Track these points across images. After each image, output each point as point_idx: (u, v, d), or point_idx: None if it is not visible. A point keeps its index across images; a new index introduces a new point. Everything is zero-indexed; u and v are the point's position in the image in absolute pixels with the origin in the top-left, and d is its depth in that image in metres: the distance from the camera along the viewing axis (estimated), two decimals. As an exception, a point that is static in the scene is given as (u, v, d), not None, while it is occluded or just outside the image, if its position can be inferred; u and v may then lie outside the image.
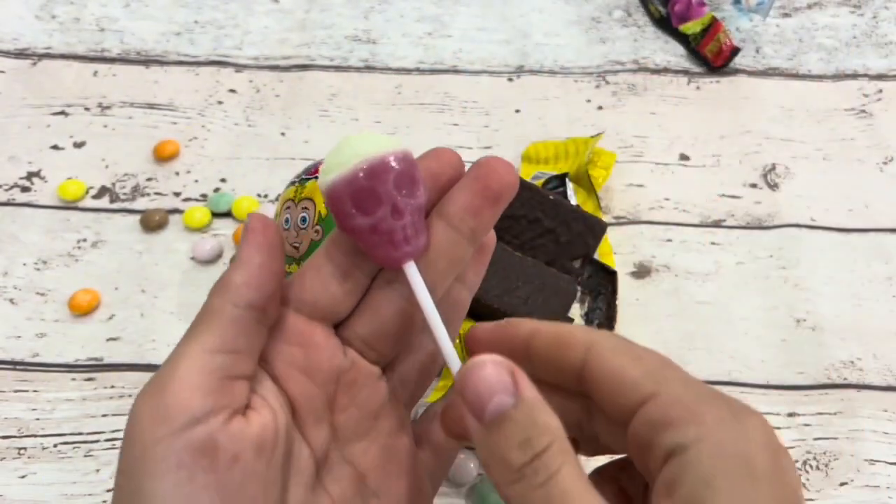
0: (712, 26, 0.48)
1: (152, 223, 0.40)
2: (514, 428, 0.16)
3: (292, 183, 0.35)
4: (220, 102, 0.46)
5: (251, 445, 0.16)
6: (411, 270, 0.19)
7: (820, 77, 0.48)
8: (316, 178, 0.34)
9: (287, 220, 0.34)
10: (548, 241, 0.34)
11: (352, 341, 0.20)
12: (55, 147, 0.43)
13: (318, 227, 0.32)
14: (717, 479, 0.15)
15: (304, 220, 0.33)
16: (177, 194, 0.42)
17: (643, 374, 0.17)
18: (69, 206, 0.41)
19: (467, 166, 0.22)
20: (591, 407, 0.18)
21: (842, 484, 0.33)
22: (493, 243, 0.21)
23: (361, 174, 0.18)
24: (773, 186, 0.43)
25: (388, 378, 0.21)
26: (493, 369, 0.16)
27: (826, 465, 0.33)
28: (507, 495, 0.16)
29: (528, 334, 0.18)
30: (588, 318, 0.35)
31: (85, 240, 0.39)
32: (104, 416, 0.34)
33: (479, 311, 0.33)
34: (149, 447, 0.15)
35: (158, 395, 0.16)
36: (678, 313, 0.38)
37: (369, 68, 0.48)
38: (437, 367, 0.21)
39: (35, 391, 0.34)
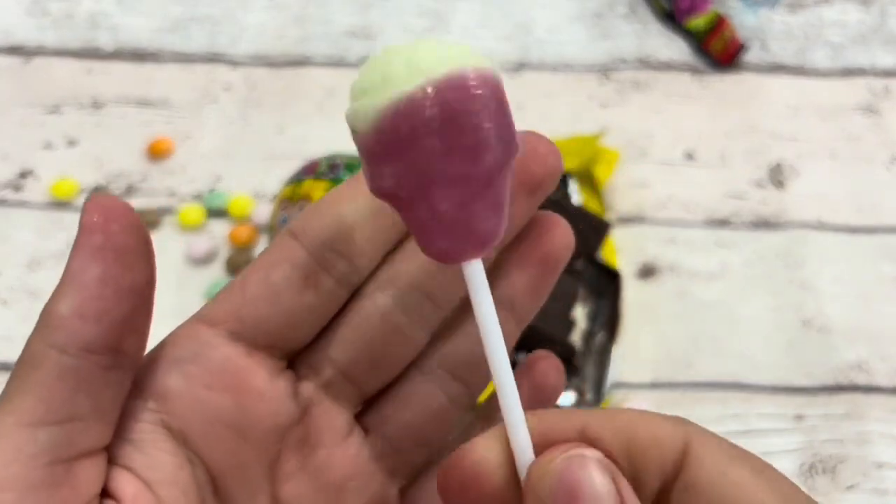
0: (717, 23, 0.47)
1: (146, 222, 0.39)
2: None
3: (289, 182, 0.34)
4: (215, 100, 0.45)
5: None
6: (474, 270, 0.12)
7: (827, 74, 0.48)
8: (313, 176, 0.33)
9: (284, 220, 0.33)
10: (550, 242, 0.34)
11: (321, 369, 0.15)
12: (48, 145, 0.43)
13: None
14: None
15: None
16: (171, 193, 0.41)
17: (777, 499, 0.12)
18: (62, 205, 0.40)
19: None
20: None
21: (849, 487, 0.32)
22: (555, 262, 0.16)
23: (447, 93, 0.11)
24: (780, 185, 0.42)
25: (369, 428, 0.15)
26: (599, 477, 0.11)
27: (833, 469, 0.33)
28: None
29: (583, 435, 0.12)
30: (591, 320, 0.34)
31: (78, 240, 0.39)
32: (97, 420, 0.33)
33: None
34: None
35: None
36: (683, 314, 0.37)
37: (368, 65, 0.47)
38: (451, 423, 0.16)
39: (26, 395, 0.34)
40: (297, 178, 0.34)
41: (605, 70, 0.47)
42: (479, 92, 0.12)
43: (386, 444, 0.15)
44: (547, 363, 0.17)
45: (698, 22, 0.48)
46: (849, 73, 0.48)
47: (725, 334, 0.36)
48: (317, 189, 0.32)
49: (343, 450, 0.15)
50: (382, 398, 0.15)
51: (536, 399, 0.16)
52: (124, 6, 0.50)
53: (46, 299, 0.13)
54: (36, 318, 0.13)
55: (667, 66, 0.48)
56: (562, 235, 0.16)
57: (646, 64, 0.48)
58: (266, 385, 0.14)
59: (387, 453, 0.15)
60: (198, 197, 0.41)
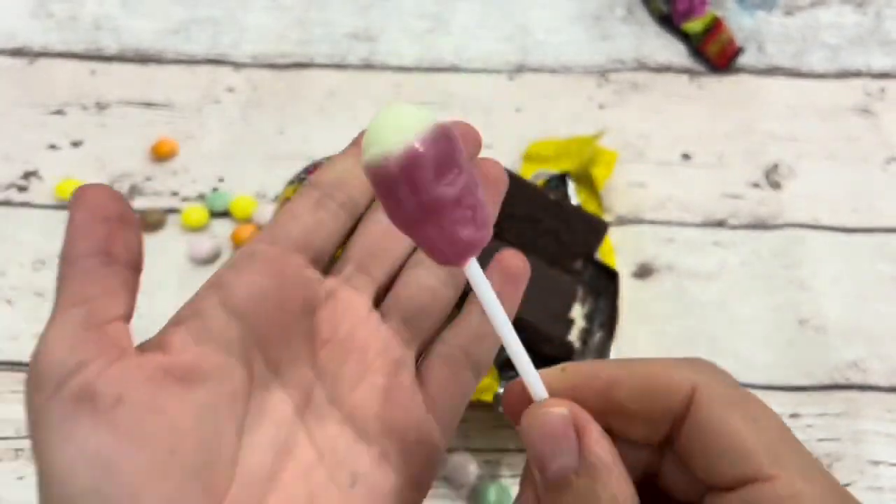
0: (714, 26, 0.47)
1: (150, 222, 0.39)
2: (574, 498, 0.14)
3: (291, 182, 0.34)
4: (217, 101, 0.45)
5: (150, 383, 0.16)
6: (472, 268, 0.17)
7: (823, 75, 0.48)
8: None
9: None
10: (549, 241, 0.34)
11: (341, 269, 0.20)
12: (52, 146, 0.43)
13: None
14: None
15: None
16: (174, 194, 0.41)
17: (763, 446, 0.14)
18: (66, 205, 0.40)
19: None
20: (669, 457, 0.16)
21: (845, 485, 0.32)
22: (516, 268, 0.21)
23: (436, 136, 0.16)
24: (777, 186, 0.43)
25: (385, 313, 0.20)
26: (559, 422, 0.15)
27: (829, 467, 0.33)
28: None
29: (606, 383, 0.16)
30: (589, 319, 0.35)
31: (82, 240, 0.39)
32: (101, 418, 0.33)
33: (480, 311, 0.33)
34: (36, 417, 0.16)
35: (33, 365, 0.16)
36: (681, 314, 0.37)
37: (368, 66, 0.47)
38: (445, 301, 0.20)
39: (31, 393, 0.34)
40: (299, 179, 0.34)
41: (603, 72, 0.48)
42: (423, 151, 0.16)
43: (398, 320, 0.20)
44: (510, 254, 0.21)
45: (695, 25, 0.48)
46: (845, 74, 0.48)
47: (723, 333, 0.37)
48: None
49: (365, 323, 0.19)
50: (391, 288, 0.20)
51: (507, 282, 0.21)
52: (127, 8, 0.50)
53: (51, 299, 0.17)
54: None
55: (664, 68, 0.48)
56: (493, 168, 0.21)
57: (644, 66, 0.48)
58: (297, 272, 0.19)
59: (400, 328, 0.20)
60: (201, 197, 0.41)
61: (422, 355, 0.20)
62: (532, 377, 0.16)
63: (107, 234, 0.17)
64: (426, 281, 0.20)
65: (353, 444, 0.18)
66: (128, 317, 0.17)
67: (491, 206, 0.20)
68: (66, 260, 0.17)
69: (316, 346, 0.19)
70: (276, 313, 0.18)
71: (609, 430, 0.15)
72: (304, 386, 0.18)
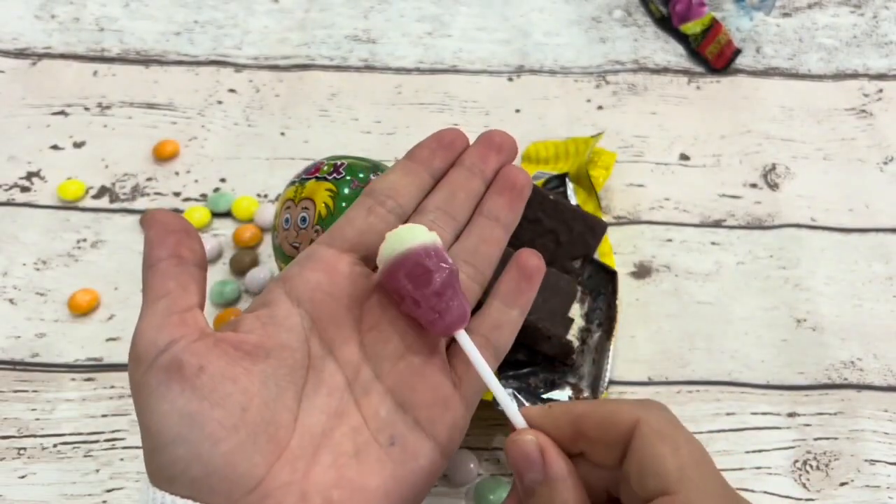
0: (712, 28, 0.48)
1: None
2: (539, 502, 0.20)
3: (292, 183, 0.35)
4: (219, 102, 0.46)
5: (224, 356, 0.20)
6: (462, 336, 0.22)
7: (820, 77, 0.48)
8: (316, 177, 0.34)
9: (287, 220, 0.34)
10: (548, 241, 0.34)
11: None
12: (55, 147, 0.43)
13: (317, 227, 0.33)
14: None
15: (303, 220, 0.33)
16: (176, 194, 0.42)
17: (675, 469, 0.18)
18: (69, 206, 0.41)
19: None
20: (620, 480, 0.20)
21: (842, 484, 0.33)
22: (532, 267, 0.25)
23: (406, 258, 0.22)
24: (774, 186, 0.43)
25: None
26: (528, 447, 0.20)
27: (826, 466, 0.33)
28: None
29: (576, 416, 0.20)
30: (588, 318, 0.35)
31: (85, 240, 0.39)
32: (104, 416, 0.34)
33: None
34: (137, 386, 0.20)
35: (133, 348, 0.20)
36: (678, 313, 0.38)
37: (369, 68, 0.48)
38: (472, 296, 0.24)
39: (35, 391, 0.34)
40: (301, 180, 0.34)
41: (601, 73, 0.48)
42: (395, 269, 0.22)
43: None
44: (528, 253, 0.25)
45: (694, 26, 0.49)
46: (842, 76, 0.48)
47: (720, 333, 0.37)
48: (319, 190, 0.33)
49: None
50: None
51: (524, 279, 0.25)
52: (130, 10, 0.50)
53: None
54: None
55: (663, 70, 0.48)
56: (520, 175, 0.26)
57: (642, 67, 0.48)
58: (347, 269, 0.23)
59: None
60: (203, 198, 0.41)
61: (452, 340, 0.23)
62: (513, 411, 0.21)
63: (176, 242, 0.22)
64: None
65: (393, 412, 0.22)
66: (202, 305, 0.22)
67: (511, 214, 0.26)
68: (148, 264, 0.21)
69: (363, 330, 0.23)
70: (329, 303, 0.22)
71: (578, 454, 0.20)
72: (354, 363, 0.22)
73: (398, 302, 0.23)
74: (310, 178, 0.34)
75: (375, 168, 0.35)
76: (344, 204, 0.32)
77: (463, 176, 0.26)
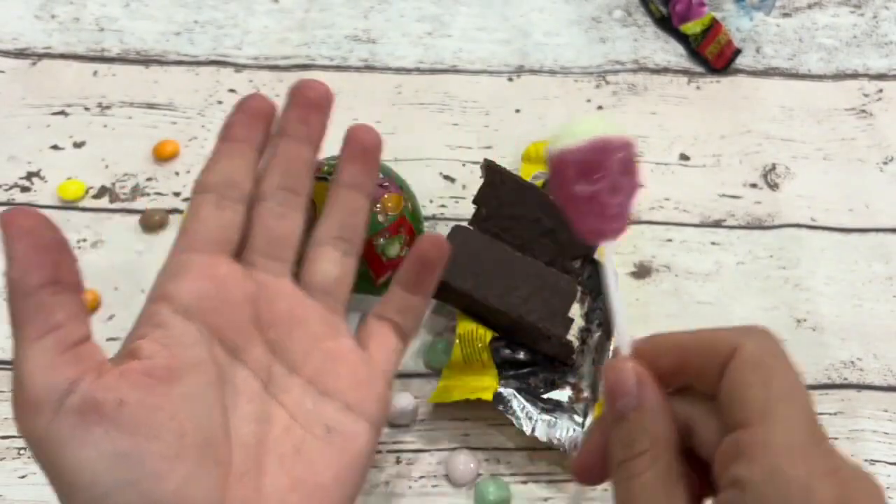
0: (712, 28, 0.48)
1: (152, 223, 0.40)
2: (626, 428, 0.19)
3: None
4: (219, 102, 0.46)
5: (139, 386, 0.19)
6: (607, 253, 0.22)
7: (820, 77, 0.48)
8: (316, 178, 0.34)
9: None
10: (548, 241, 0.34)
11: (254, 261, 0.23)
12: (55, 147, 0.43)
13: None
14: None
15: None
16: (177, 194, 0.42)
17: (760, 401, 0.18)
18: (69, 206, 0.41)
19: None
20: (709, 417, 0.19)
21: (842, 484, 0.33)
22: (367, 140, 0.25)
23: (591, 148, 0.20)
24: (774, 186, 0.43)
25: (305, 289, 0.24)
26: (625, 374, 0.19)
27: (826, 466, 0.33)
28: (611, 479, 0.20)
29: (680, 346, 0.20)
30: (588, 318, 0.35)
31: (85, 240, 0.39)
32: (104, 416, 0.34)
33: (479, 310, 0.33)
34: (41, 439, 0.18)
35: (21, 395, 0.18)
36: (678, 313, 0.38)
37: (369, 68, 0.48)
38: (351, 269, 0.24)
39: (35, 391, 0.34)
40: None
41: (601, 73, 0.48)
42: (621, 148, 0.20)
43: (320, 293, 0.24)
44: (430, 238, 0.25)
45: (694, 26, 0.49)
46: (842, 76, 0.48)
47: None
48: (319, 190, 0.33)
49: (298, 301, 0.23)
50: (302, 265, 0.24)
51: (423, 267, 0.25)
52: (130, 10, 0.50)
53: None
54: None
55: (663, 70, 0.48)
56: (367, 136, 0.25)
57: (642, 67, 0.48)
58: (227, 269, 0.22)
59: (324, 299, 0.24)
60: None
61: (360, 321, 0.24)
62: (623, 336, 0.20)
63: (53, 262, 0.19)
64: (332, 255, 0.24)
65: (320, 401, 0.22)
66: (91, 335, 0.20)
67: (368, 178, 0.25)
68: (20, 292, 0.18)
69: (264, 328, 0.22)
70: (222, 309, 0.21)
71: (681, 388, 0.20)
72: (264, 364, 0.22)
73: (552, 190, 0.22)
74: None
75: (382, 167, 0.35)
76: None
77: (291, 147, 0.24)
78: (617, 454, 0.19)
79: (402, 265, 0.25)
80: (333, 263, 0.24)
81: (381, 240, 0.33)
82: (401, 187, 0.35)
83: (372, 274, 0.33)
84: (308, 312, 0.23)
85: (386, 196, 0.34)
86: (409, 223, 0.34)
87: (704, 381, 0.19)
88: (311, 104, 0.25)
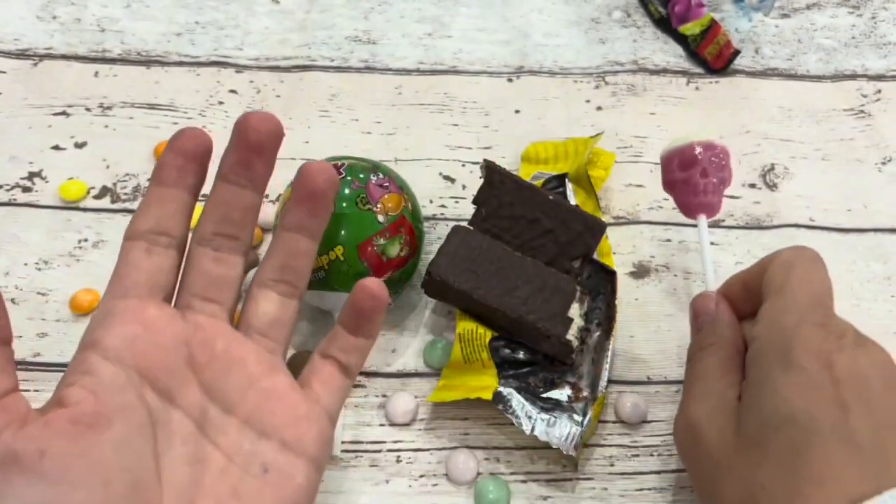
0: (711, 28, 0.48)
1: (153, 223, 0.40)
2: (705, 333, 0.28)
3: (291, 184, 0.35)
4: (220, 103, 0.46)
5: (63, 434, 0.19)
6: (701, 222, 0.32)
7: (819, 77, 0.48)
8: None
9: None
10: (547, 241, 0.35)
11: (190, 303, 0.23)
12: (56, 147, 0.43)
13: None
14: (756, 363, 0.25)
15: None
16: (177, 194, 0.42)
17: (780, 281, 0.26)
18: (70, 206, 0.41)
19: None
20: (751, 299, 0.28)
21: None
22: (317, 182, 0.24)
23: (686, 148, 0.33)
24: (772, 186, 0.43)
25: (244, 330, 0.24)
26: (708, 300, 0.29)
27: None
28: (686, 364, 0.29)
29: (743, 278, 0.29)
30: (587, 318, 0.35)
31: (86, 240, 0.40)
32: (105, 415, 0.34)
33: (479, 310, 0.33)
34: None
35: None
36: (677, 313, 0.38)
37: (369, 69, 0.48)
38: (291, 310, 0.25)
39: (36, 391, 0.34)
40: None
41: (601, 74, 0.48)
42: (708, 149, 0.33)
43: (257, 334, 0.24)
44: (366, 290, 0.25)
45: (693, 27, 0.49)
46: (840, 76, 0.49)
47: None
48: None
49: (235, 340, 0.23)
50: (245, 307, 0.25)
51: (361, 316, 0.25)
52: (131, 11, 0.50)
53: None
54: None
55: (662, 71, 0.48)
56: (317, 179, 0.24)
57: (641, 68, 0.48)
58: (158, 312, 0.22)
59: (261, 339, 0.24)
60: (204, 198, 0.42)
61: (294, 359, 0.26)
62: (712, 281, 0.31)
63: None
64: (270, 296, 0.24)
65: (256, 441, 0.22)
66: (17, 386, 0.20)
67: (315, 220, 0.25)
68: None
69: (198, 369, 0.22)
70: (154, 352, 0.21)
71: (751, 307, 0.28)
72: (199, 405, 0.22)
73: (667, 174, 0.33)
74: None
75: (375, 168, 0.35)
76: (344, 204, 0.33)
77: (230, 193, 0.24)
78: (694, 346, 0.28)
79: (343, 309, 0.26)
80: (273, 304, 0.24)
81: (382, 240, 0.33)
82: (401, 187, 0.35)
83: (372, 274, 0.33)
84: (245, 352, 0.23)
85: (386, 196, 0.34)
86: (409, 223, 0.34)
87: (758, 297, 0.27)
88: (253, 147, 0.23)
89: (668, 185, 0.34)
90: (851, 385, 0.22)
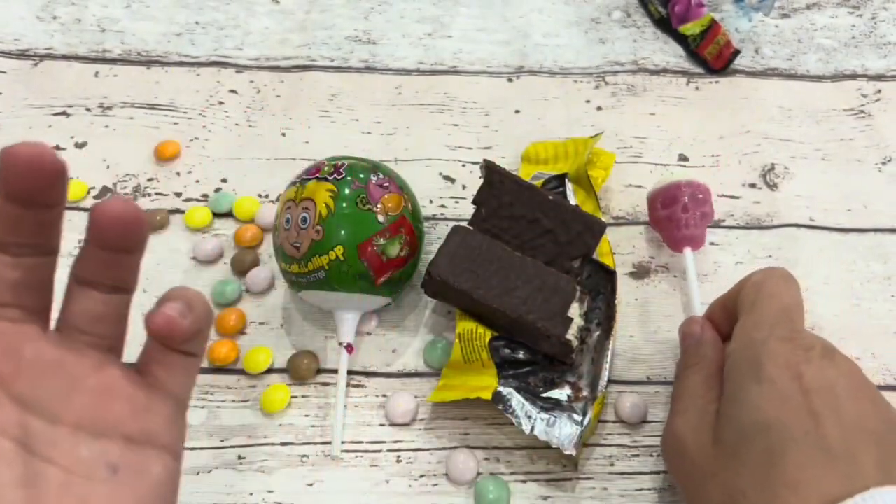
0: (711, 28, 0.48)
1: (154, 223, 0.40)
2: (690, 353, 0.30)
3: (293, 183, 0.35)
4: (221, 103, 0.46)
5: None
6: (687, 254, 0.36)
7: (819, 77, 0.48)
8: (317, 178, 0.34)
9: (288, 220, 0.34)
10: (547, 241, 0.35)
11: (2, 309, 0.20)
12: (56, 147, 0.43)
13: (318, 227, 0.33)
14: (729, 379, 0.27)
15: (304, 220, 0.33)
16: (178, 194, 0.42)
17: (750, 300, 0.29)
18: (71, 206, 0.41)
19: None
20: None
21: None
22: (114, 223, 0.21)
23: (669, 187, 0.36)
24: (773, 186, 0.43)
25: (62, 329, 0.21)
26: (694, 326, 0.31)
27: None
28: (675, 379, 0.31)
29: (723, 301, 0.31)
30: (587, 318, 0.35)
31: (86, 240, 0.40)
32: (106, 415, 0.34)
33: (479, 310, 0.33)
34: None
35: None
36: (677, 313, 0.38)
37: (369, 69, 0.48)
38: (117, 304, 0.21)
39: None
40: (301, 180, 0.34)
41: (601, 74, 0.48)
42: (688, 187, 0.37)
43: (77, 331, 0.21)
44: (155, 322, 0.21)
45: (693, 27, 0.49)
46: (840, 76, 0.49)
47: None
48: (320, 190, 0.33)
49: (47, 343, 0.20)
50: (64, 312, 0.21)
51: (104, 229, 0.21)
52: (132, 11, 0.50)
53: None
54: None
55: (662, 71, 0.48)
56: (114, 229, 0.21)
57: (641, 68, 0.48)
58: None
59: (83, 337, 0.21)
60: (204, 198, 0.42)
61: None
62: (698, 308, 0.34)
63: None
64: (89, 293, 0.21)
65: (95, 444, 0.20)
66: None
67: (117, 272, 0.21)
68: None
69: (7, 382, 0.19)
70: None
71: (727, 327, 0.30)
72: (16, 421, 0.19)
73: (652, 212, 0.37)
74: (311, 179, 0.34)
75: (375, 168, 0.35)
76: (344, 204, 0.33)
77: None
78: (680, 365, 0.30)
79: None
80: (93, 301, 0.21)
81: (382, 240, 0.33)
82: (401, 188, 0.35)
83: (372, 274, 0.33)
84: (61, 353, 0.20)
85: (386, 196, 0.34)
86: (409, 223, 0.34)
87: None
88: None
89: (655, 222, 0.37)
90: (821, 395, 0.24)
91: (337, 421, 0.33)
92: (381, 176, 0.34)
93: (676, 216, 0.35)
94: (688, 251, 0.36)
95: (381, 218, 0.33)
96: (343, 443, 0.33)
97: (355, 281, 0.33)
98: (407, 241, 0.34)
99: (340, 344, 0.34)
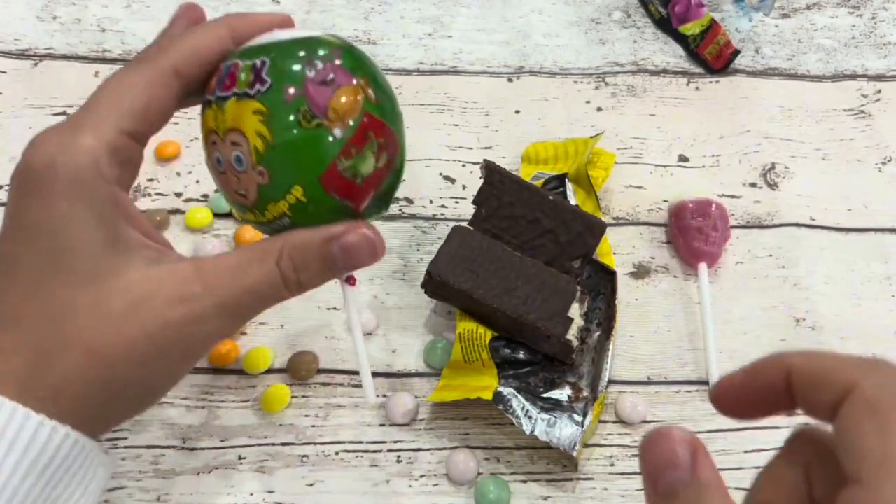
0: (711, 28, 0.48)
1: (154, 223, 0.40)
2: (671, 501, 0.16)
3: (208, 102, 0.25)
4: (220, 103, 0.46)
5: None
6: (702, 270, 0.37)
7: (819, 77, 0.48)
8: (235, 94, 0.23)
9: (219, 161, 0.24)
10: (547, 241, 0.35)
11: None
12: (57, 147, 0.43)
13: (260, 169, 0.23)
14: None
15: (238, 159, 0.24)
16: (178, 194, 0.42)
17: (877, 453, 0.15)
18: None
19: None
20: (812, 474, 0.17)
21: (841, 483, 0.33)
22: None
23: (700, 201, 0.39)
24: (773, 186, 0.43)
25: None
26: (678, 445, 0.16)
27: (825, 465, 0.33)
28: None
29: (787, 368, 0.17)
30: (587, 318, 0.35)
31: (86, 240, 0.40)
32: (106, 415, 0.34)
33: (479, 310, 0.33)
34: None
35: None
36: (677, 313, 0.38)
37: (370, 69, 0.48)
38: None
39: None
40: (217, 98, 0.24)
41: (601, 74, 0.48)
42: (720, 210, 0.39)
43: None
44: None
45: (693, 27, 0.49)
46: (840, 76, 0.49)
47: (719, 332, 0.37)
48: (245, 114, 0.23)
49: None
50: None
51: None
52: (132, 11, 0.50)
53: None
54: None
55: (662, 71, 0.48)
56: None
57: (641, 69, 0.48)
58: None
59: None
60: (204, 198, 0.42)
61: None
62: (711, 328, 0.35)
63: None
64: None
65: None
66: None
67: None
68: None
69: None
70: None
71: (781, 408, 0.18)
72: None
73: (682, 221, 0.38)
74: (228, 96, 0.24)
75: (309, 55, 0.23)
76: (283, 128, 0.23)
77: None
78: None
79: None
80: None
81: (346, 161, 0.23)
82: (352, 70, 0.24)
83: (350, 204, 0.24)
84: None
85: (335, 96, 0.23)
86: (376, 119, 0.24)
87: (815, 412, 0.17)
88: None
89: (681, 230, 0.38)
90: None
91: (362, 366, 0.27)
92: (321, 65, 0.23)
93: (707, 230, 0.37)
94: (703, 267, 0.37)
95: (337, 132, 0.23)
96: (343, 443, 0.33)
97: (331, 216, 0.24)
98: (381, 145, 0.24)
99: (339, 280, 0.26)
